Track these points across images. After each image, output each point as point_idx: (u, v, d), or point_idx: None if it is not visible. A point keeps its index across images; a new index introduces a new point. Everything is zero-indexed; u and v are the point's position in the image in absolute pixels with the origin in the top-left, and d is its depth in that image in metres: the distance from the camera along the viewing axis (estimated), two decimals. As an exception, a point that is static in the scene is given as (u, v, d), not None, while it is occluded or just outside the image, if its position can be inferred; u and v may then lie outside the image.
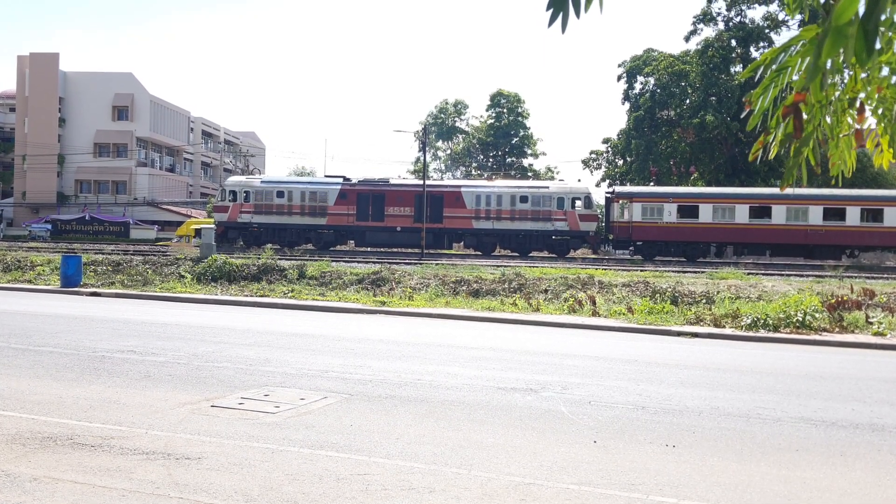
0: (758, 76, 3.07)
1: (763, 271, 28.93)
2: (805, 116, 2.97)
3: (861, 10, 2.07)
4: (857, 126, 3.22)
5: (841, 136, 3.25)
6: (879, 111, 3.14)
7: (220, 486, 5.47)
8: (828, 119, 3.16)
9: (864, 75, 3.01)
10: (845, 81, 3.15)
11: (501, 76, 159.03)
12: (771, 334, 15.46)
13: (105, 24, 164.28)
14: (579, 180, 47.52)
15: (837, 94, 3.13)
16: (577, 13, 2.47)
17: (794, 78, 2.96)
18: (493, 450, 6.58)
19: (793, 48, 2.95)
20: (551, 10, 2.47)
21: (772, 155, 3.25)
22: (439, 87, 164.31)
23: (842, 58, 2.23)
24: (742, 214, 38.19)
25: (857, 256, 38.08)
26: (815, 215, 37.41)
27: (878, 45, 2.84)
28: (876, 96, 3.09)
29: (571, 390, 9.28)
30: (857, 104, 3.11)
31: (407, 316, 18.12)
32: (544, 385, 9.58)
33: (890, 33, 2.80)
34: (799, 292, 19.44)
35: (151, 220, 65.01)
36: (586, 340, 14.53)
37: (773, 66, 2.99)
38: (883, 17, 2.69)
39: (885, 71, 2.96)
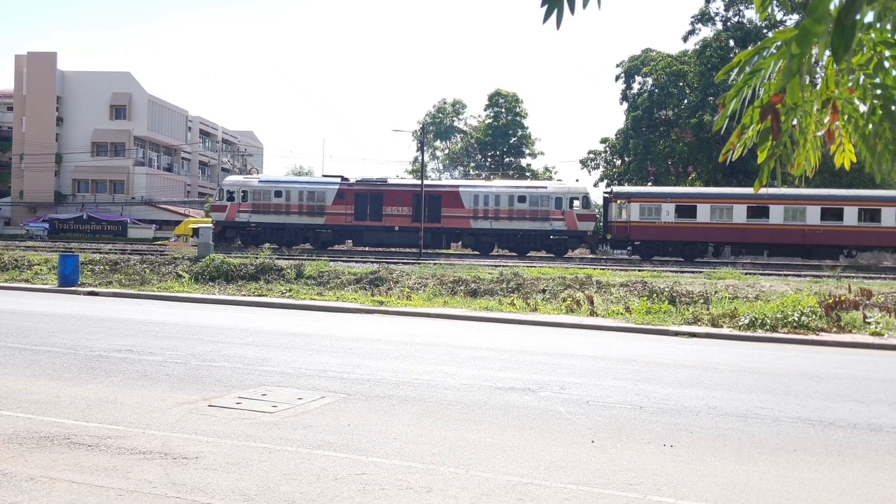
0: (731, 78, 3.07)
1: (761, 271, 28.95)
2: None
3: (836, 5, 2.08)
4: (830, 127, 3.22)
5: (812, 136, 3.26)
6: (846, 115, 3.15)
7: (217, 485, 5.46)
8: (799, 120, 3.18)
9: (839, 77, 3.01)
10: (818, 84, 3.16)
11: (499, 76, 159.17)
12: (768, 334, 15.47)
13: (103, 24, 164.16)
14: (577, 180, 47.48)
15: (807, 95, 3.13)
16: (572, 9, 2.45)
17: (770, 80, 2.96)
18: (490, 449, 6.57)
19: (767, 50, 2.95)
20: (546, 7, 2.46)
21: (735, 155, 3.27)
22: (437, 86, 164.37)
23: (815, 53, 2.24)
24: (740, 214, 38.23)
25: (854, 256, 38.13)
26: (813, 215, 37.45)
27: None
28: (842, 99, 3.10)
29: (569, 390, 9.28)
30: (831, 105, 3.11)
31: (405, 316, 18.10)
32: (542, 385, 9.57)
33: (860, 35, 2.80)
34: (796, 292, 19.45)
35: (149, 220, 64.97)
36: (584, 340, 14.53)
37: (748, 69, 2.99)
38: (857, 17, 2.70)
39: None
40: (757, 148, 3.12)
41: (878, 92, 2.86)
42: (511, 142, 75.18)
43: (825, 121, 3.18)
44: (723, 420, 7.94)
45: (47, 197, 67.99)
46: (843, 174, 47.70)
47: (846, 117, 3.13)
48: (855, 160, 3.31)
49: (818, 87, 3.13)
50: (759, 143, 3.06)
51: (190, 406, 7.90)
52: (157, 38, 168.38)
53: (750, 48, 3.03)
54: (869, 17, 2.64)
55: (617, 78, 61.15)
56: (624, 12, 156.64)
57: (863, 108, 3.05)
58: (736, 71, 3.04)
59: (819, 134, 3.24)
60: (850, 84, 2.97)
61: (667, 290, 20.00)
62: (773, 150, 3.09)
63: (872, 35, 2.78)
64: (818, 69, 3.06)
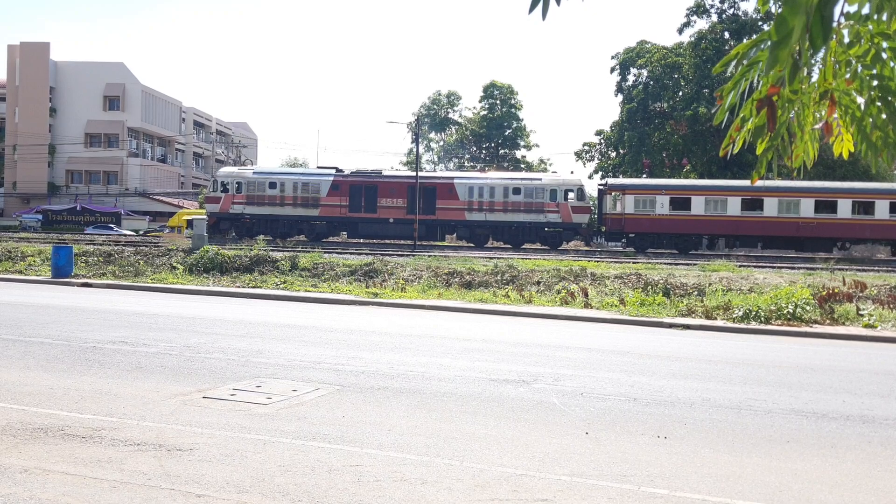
0: (729, 71, 3.06)
1: (755, 263, 28.99)
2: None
3: None
4: (828, 119, 3.22)
5: (809, 128, 3.26)
6: (843, 106, 3.15)
7: (211, 477, 5.46)
8: (797, 112, 3.17)
9: (837, 68, 3.01)
10: (815, 76, 3.15)
11: (495, 67, 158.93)
12: (762, 326, 15.53)
13: (96, 14, 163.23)
14: (572, 172, 47.56)
15: (805, 86, 3.13)
16: (558, 0, 2.44)
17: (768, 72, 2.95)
18: (485, 441, 6.58)
19: (764, 43, 2.94)
20: None
21: (736, 149, 3.26)
22: (432, 78, 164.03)
23: (796, 46, 2.26)
24: (734, 207, 38.29)
25: (848, 249, 38.22)
26: (807, 208, 37.52)
27: (846, 39, 2.85)
28: (839, 91, 3.10)
29: (563, 382, 9.30)
30: (829, 96, 3.11)
31: (399, 307, 18.11)
32: (536, 377, 9.59)
33: (858, 27, 2.80)
34: (790, 284, 19.50)
35: (143, 211, 64.77)
36: (578, 332, 14.55)
37: (745, 61, 2.98)
38: (853, 11, 2.69)
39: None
40: (754, 140, 3.12)
41: (876, 83, 2.86)
42: (506, 134, 75.08)
43: (823, 113, 3.18)
44: (717, 412, 7.96)
45: (41, 188, 67.72)
46: (838, 167, 47.80)
47: (844, 109, 3.13)
48: (853, 149, 3.31)
49: (814, 79, 3.12)
50: (755, 135, 3.06)
51: (184, 398, 7.89)
52: (150, 28, 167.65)
53: (746, 41, 3.03)
54: (866, 8, 2.64)
55: (612, 70, 61.10)
56: (619, 4, 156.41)
57: (860, 100, 3.04)
58: (734, 63, 3.03)
59: (817, 126, 3.24)
60: (847, 76, 2.96)
61: (661, 282, 20.04)
62: (771, 142, 3.09)
63: (870, 26, 2.77)
64: (815, 61, 3.06)
